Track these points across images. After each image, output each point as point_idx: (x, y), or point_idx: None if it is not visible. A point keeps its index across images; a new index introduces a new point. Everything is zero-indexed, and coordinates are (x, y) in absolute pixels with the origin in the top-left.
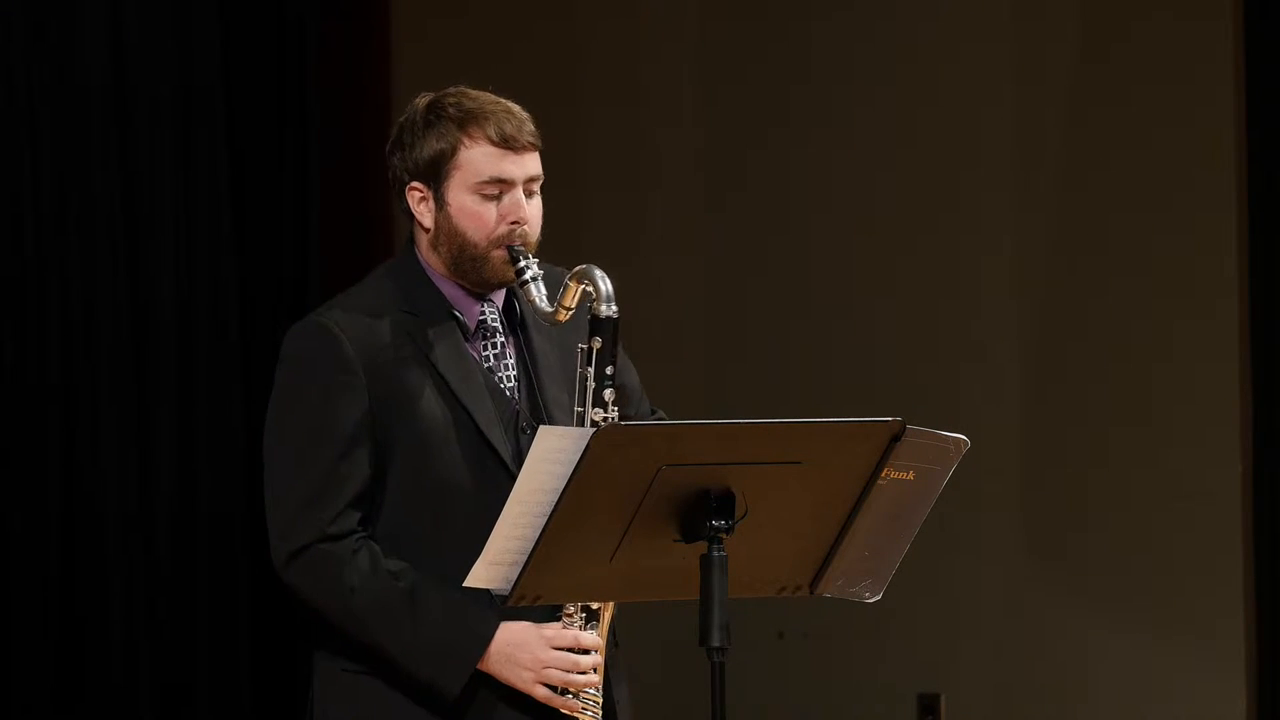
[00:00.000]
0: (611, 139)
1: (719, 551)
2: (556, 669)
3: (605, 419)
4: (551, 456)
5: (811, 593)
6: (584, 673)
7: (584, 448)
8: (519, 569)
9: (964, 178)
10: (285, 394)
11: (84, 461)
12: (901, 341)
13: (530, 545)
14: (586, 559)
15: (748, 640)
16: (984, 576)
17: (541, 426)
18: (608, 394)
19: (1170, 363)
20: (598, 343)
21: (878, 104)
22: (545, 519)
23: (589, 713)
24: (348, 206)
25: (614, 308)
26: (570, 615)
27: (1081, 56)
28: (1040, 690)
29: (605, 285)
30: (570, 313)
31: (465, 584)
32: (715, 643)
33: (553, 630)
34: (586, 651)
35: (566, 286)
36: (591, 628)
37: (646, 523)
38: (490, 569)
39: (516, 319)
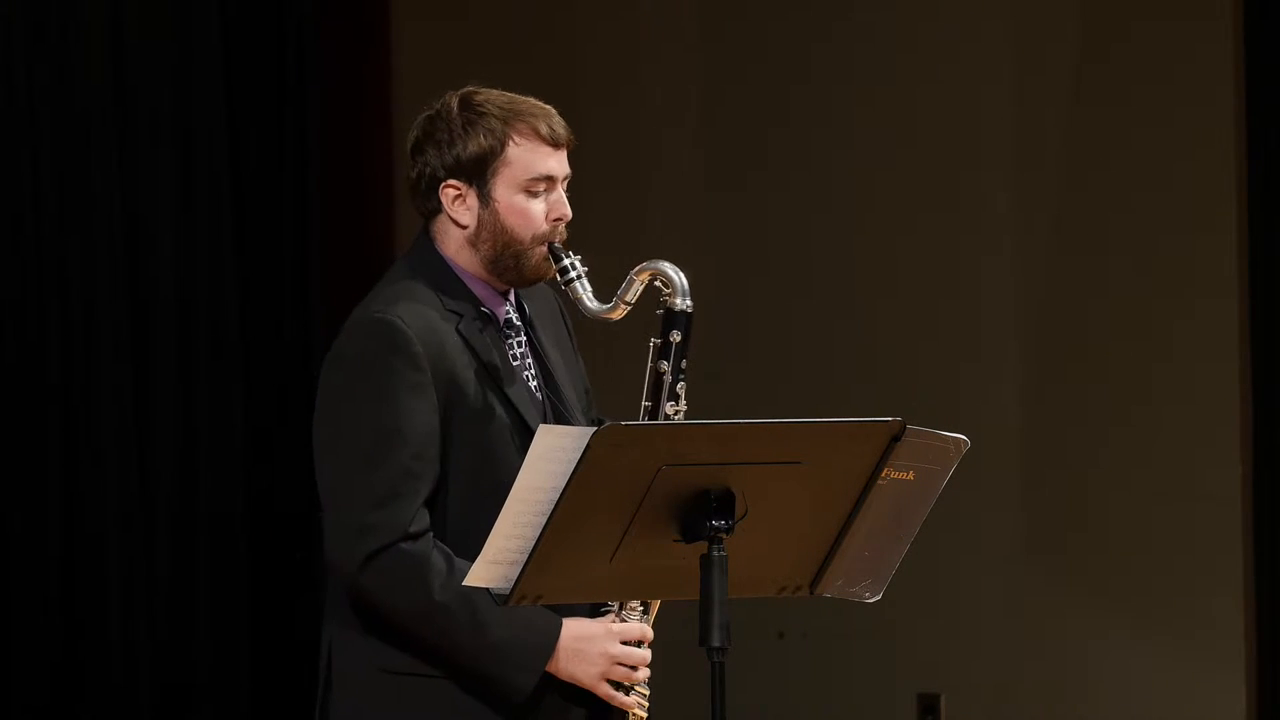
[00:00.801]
0: (611, 138)
1: (719, 551)
2: (624, 665)
3: (678, 413)
4: (551, 455)
5: (811, 593)
6: (639, 668)
7: (583, 447)
8: (518, 568)
9: (964, 177)
10: (350, 391)
11: (84, 461)
12: (901, 341)
13: (529, 545)
14: (587, 559)
15: (748, 640)
16: (984, 576)
17: (541, 425)
18: (680, 388)
19: (1170, 363)
20: (676, 337)
21: (878, 104)
22: (545, 518)
23: (643, 709)
24: (348, 207)
25: (690, 301)
26: (633, 608)
27: (1081, 56)
28: (1040, 690)
29: (680, 279)
30: (629, 308)
31: (464, 582)
32: (715, 643)
33: (620, 625)
34: (642, 645)
35: (631, 281)
36: (646, 618)
37: (646, 523)
38: (490, 568)
39: (527, 318)
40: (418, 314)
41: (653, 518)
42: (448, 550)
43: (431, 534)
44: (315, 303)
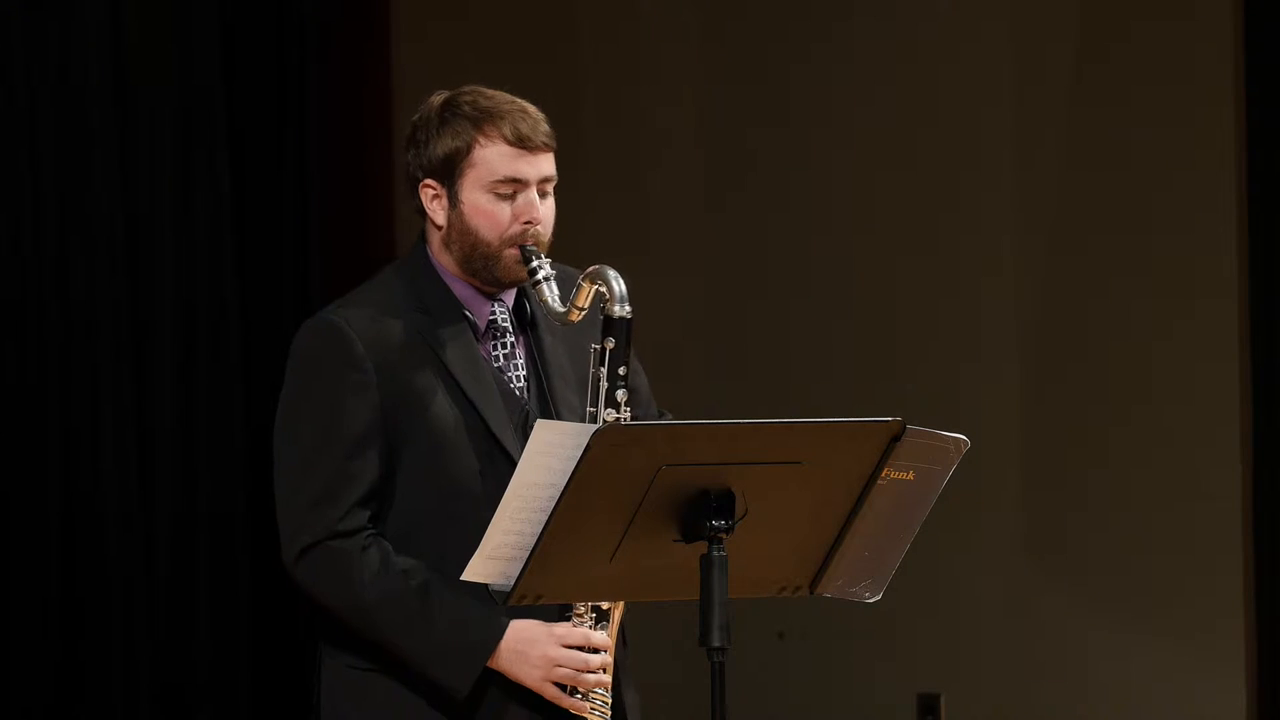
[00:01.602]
0: (611, 139)
1: (719, 551)
2: (566, 668)
3: (617, 419)
4: (549, 450)
5: (811, 593)
6: (593, 672)
7: (583, 445)
8: (517, 565)
9: (964, 177)
10: (295, 391)
11: (84, 461)
12: (901, 341)
13: (528, 541)
14: (586, 559)
15: (748, 640)
16: (984, 576)
17: (539, 420)
18: (620, 395)
19: (1170, 363)
20: (611, 343)
21: (878, 104)
22: (543, 515)
23: (598, 714)
24: (348, 207)
25: (628, 308)
26: (580, 615)
27: (1081, 57)
28: (1040, 690)
29: (619, 286)
30: (583, 313)
31: (462, 578)
32: (715, 643)
33: (563, 629)
34: (596, 651)
35: (579, 287)
36: (601, 627)
37: (646, 523)
38: (487, 563)
39: (527, 319)
40: (369, 314)
41: (653, 518)
42: (387, 548)
43: (368, 531)
44: (315, 303)
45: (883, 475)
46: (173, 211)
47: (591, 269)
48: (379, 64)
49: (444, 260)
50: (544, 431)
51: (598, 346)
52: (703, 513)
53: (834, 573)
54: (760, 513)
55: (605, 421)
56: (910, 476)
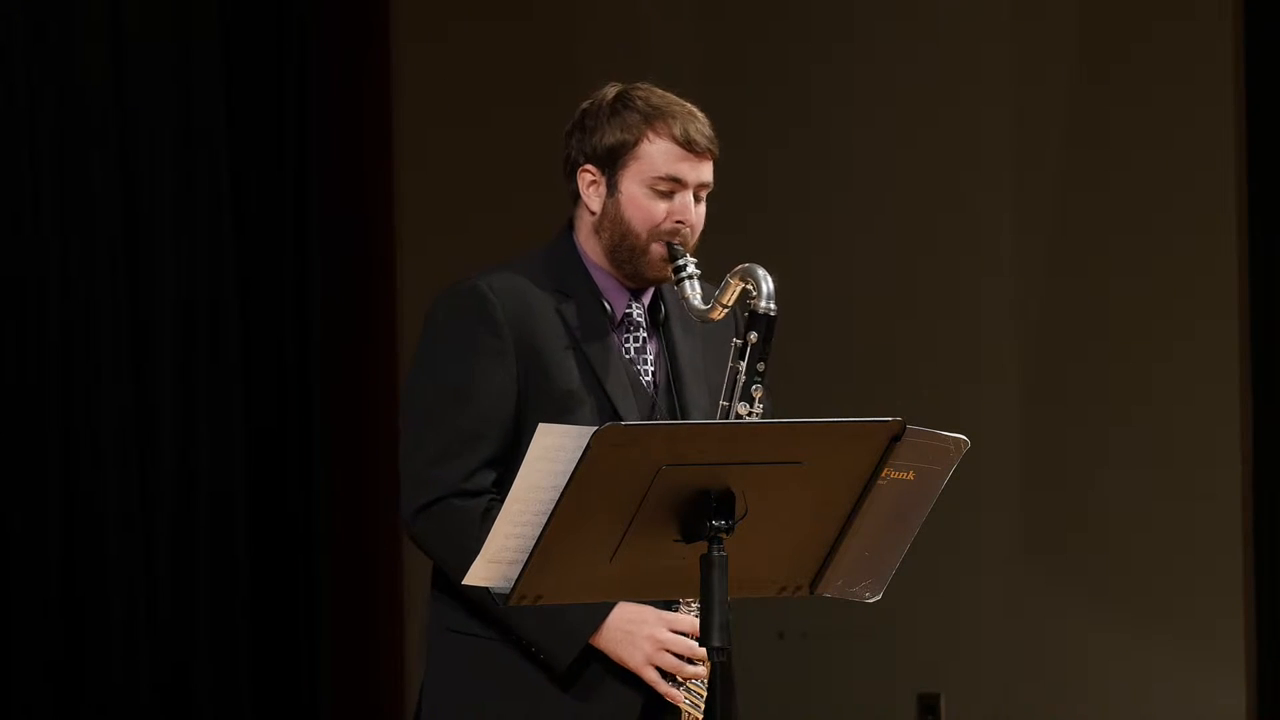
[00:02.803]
0: None
1: (719, 551)
2: (671, 654)
3: (751, 413)
4: (550, 455)
5: (811, 593)
6: (695, 663)
7: (583, 447)
8: (517, 568)
9: (964, 178)
10: (430, 350)
11: (84, 461)
12: (901, 342)
13: (529, 544)
14: (586, 559)
15: (748, 640)
16: (984, 576)
17: (540, 425)
18: (755, 390)
19: (1170, 363)
20: (753, 337)
21: (878, 104)
22: (544, 517)
23: (693, 704)
24: (348, 207)
25: (773, 306)
26: (690, 603)
27: (1080, 76)
28: (1040, 690)
29: (767, 284)
30: (726, 310)
31: (464, 581)
32: (715, 643)
33: (672, 613)
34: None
35: (727, 284)
36: None
37: (646, 523)
38: (489, 567)
39: (660, 318)
40: (513, 287)
41: (653, 518)
42: None
43: (491, 494)
44: (315, 303)
45: (883, 475)
46: (173, 211)
47: (740, 267)
48: (379, 64)
49: (589, 247)
50: (544, 436)
51: (739, 341)
52: (703, 513)
53: (834, 573)
54: (760, 513)
55: (738, 415)
56: (910, 476)
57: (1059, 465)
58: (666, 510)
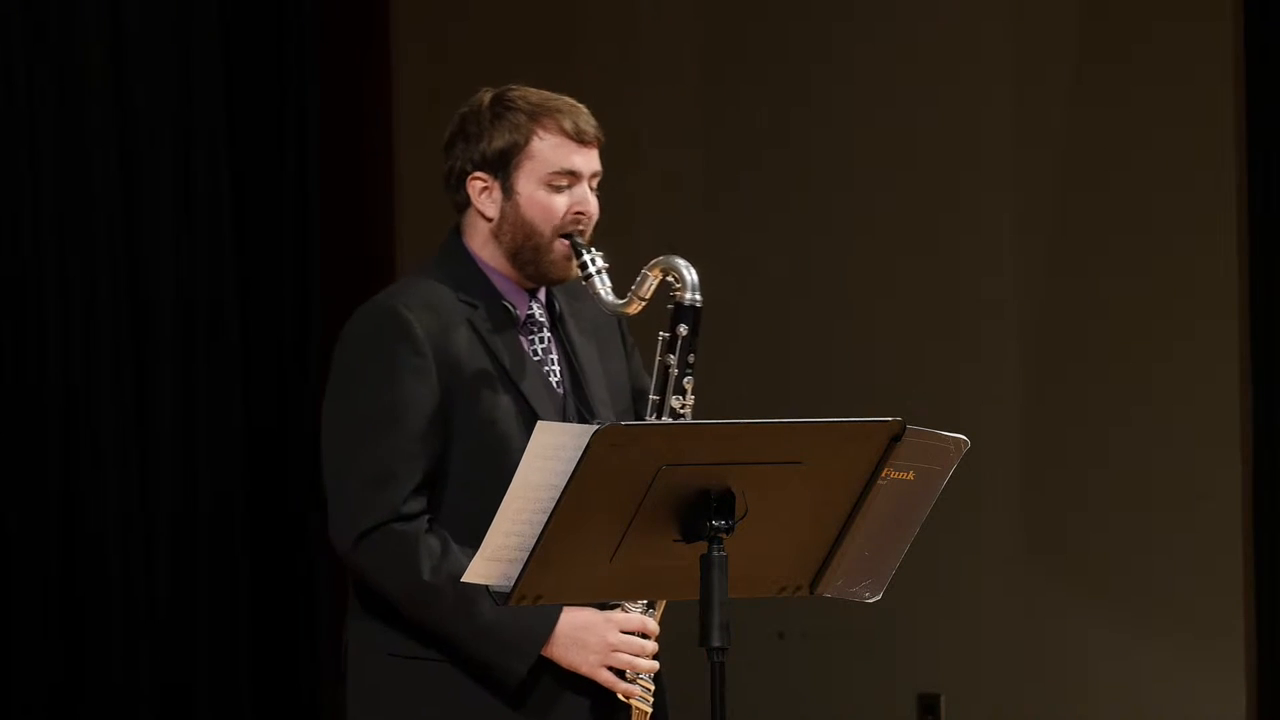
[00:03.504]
0: (610, 138)
1: (719, 551)
2: (624, 653)
3: (685, 406)
4: (548, 453)
5: (811, 593)
6: (647, 659)
7: (583, 446)
8: (517, 566)
9: (964, 178)
10: (353, 373)
11: (84, 461)
12: (901, 341)
13: (528, 542)
14: (586, 559)
15: (748, 640)
16: (984, 576)
17: (539, 422)
18: (687, 382)
19: (1170, 362)
20: (683, 330)
21: (878, 104)
22: (544, 516)
23: (643, 700)
24: (348, 207)
25: (699, 296)
26: (636, 603)
27: (1081, 73)
28: (1040, 690)
29: (690, 274)
30: (644, 304)
31: (463, 579)
32: (715, 643)
33: (621, 615)
34: (647, 637)
35: (644, 276)
36: (650, 614)
37: (646, 523)
38: (488, 565)
39: (556, 315)
40: (425, 303)
41: (653, 518)
42: (444, 534)
43: (428, 517)
44: (315, 303)
45: (883, 475)
46: (173, 211)
47: (659, 259)
48: (379, 64)
49: (485, 253)
50: (544, 434)
51: (666, 335)
52: (703, 513)
53: (834, 573)
54: (760, 513)
55: (673, 409)
56: (910, 476)
57: (1059, 465)
58: (666, 510)
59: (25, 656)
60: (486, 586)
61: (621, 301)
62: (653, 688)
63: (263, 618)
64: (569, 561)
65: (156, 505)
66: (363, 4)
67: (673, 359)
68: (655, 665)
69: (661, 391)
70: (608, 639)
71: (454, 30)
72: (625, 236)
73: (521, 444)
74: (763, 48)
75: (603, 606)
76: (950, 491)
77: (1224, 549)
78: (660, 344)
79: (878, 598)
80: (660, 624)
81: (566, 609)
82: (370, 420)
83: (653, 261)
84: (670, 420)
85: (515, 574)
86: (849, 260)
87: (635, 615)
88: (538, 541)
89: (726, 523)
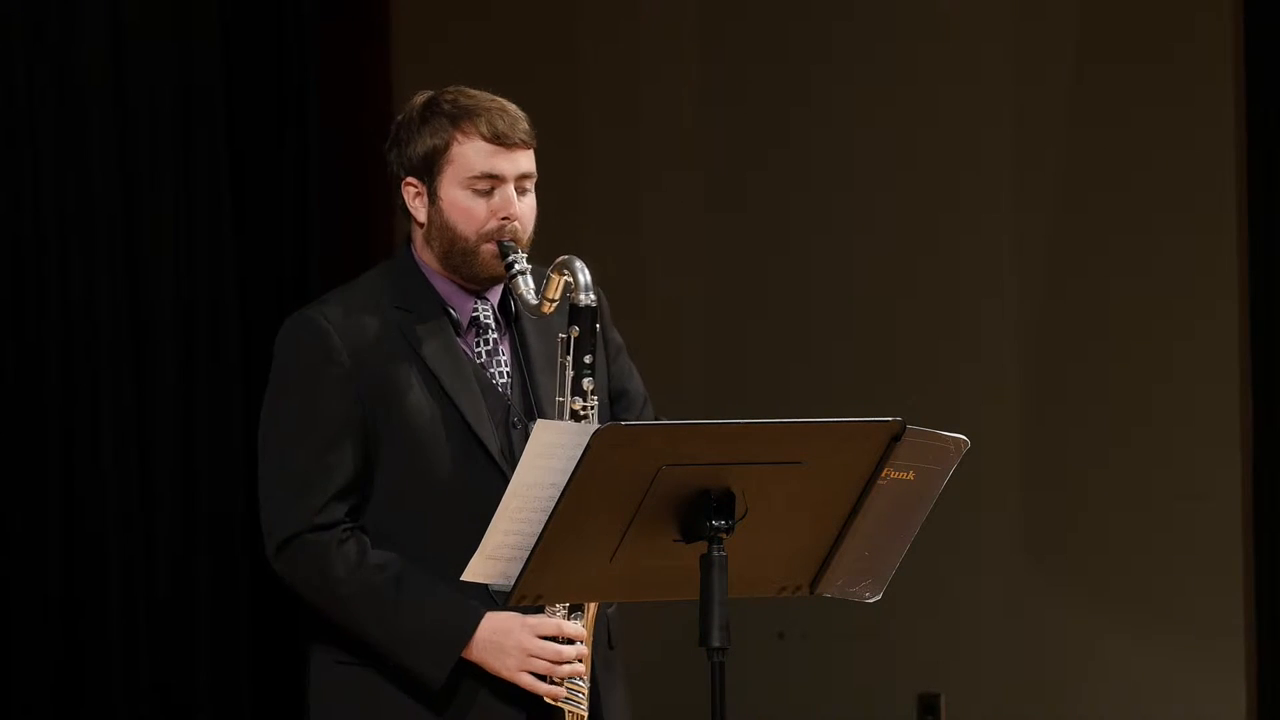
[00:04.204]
0: (611, 139)
1: (719, 551)
2: (541, 658)
3: (585, 408)
4: (549, 451)
5: (811, 593)
6: (569, 662)
7: (584, 446)
8: (516, 565)
9: (964, 177)
10: (275, 387)
11: (84, 461)
12: (902, 341)
13: (528, 541)
14: (586, 559)
15: (748, 640)
16: (984, 576)
17: (539, 420)
18: (586, 383)
19: (1170, 362)
20: (575, 331)
21: (879, 106)
22: (543, 515)
23: (573, 704)
24: (348, 206)
25: (592, 296)
26: (552, 609)
27: (1080, 76)
28: (1040, 690)
29: (584, 275)
30: (554, 304)
31: (463, 578)
32: (715, 643)
33: (536, 619)
34: (570, 642)
35: (548, 278)
36: (576, 618)
37: (646, 523)
38: (488, 563)
39: (511, 315)
40: (348, 311)
41: (653, 518)
42: (365, 541)
43: (345, 525)
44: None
45: (883, 475)
46: (173, 211)
47: (559, 259)
48: (379, 64)
49: (426, 258)
50: (544, 432)
51: (564, 336)
52: (703, 513)
53: (834, 573)
54: (760, 513)
55: (574, 411)
56: (910, 476)
57: (1059, 465)
58: (666, 510)
59: (25, 656)
60: (486, 586)
61: (535, 303)
62: (584, 689)
63: (262, 618)
64: (569, 561)
65: (156, 505)
66: (363, 4)
67: (569, 360)
68: (578, 669)
69: (564, 393)
70: (523, 643)
71: (454, 30)
72: (626, 237)
73: (446, 447)
74: (762, 48)
75: (535, 608)
76: (950, 491)
77: (1224, 549)
78: (559, 346)
79: (878, 598)
80: (660, 624)
81: (489, 614)
82: (286, 434)
83: (555, 262)
84: (668, 421)
85: (514, 573)
86: (849, 260)
87: (551, 620)
88: (538, 541)
89: (726, 523)
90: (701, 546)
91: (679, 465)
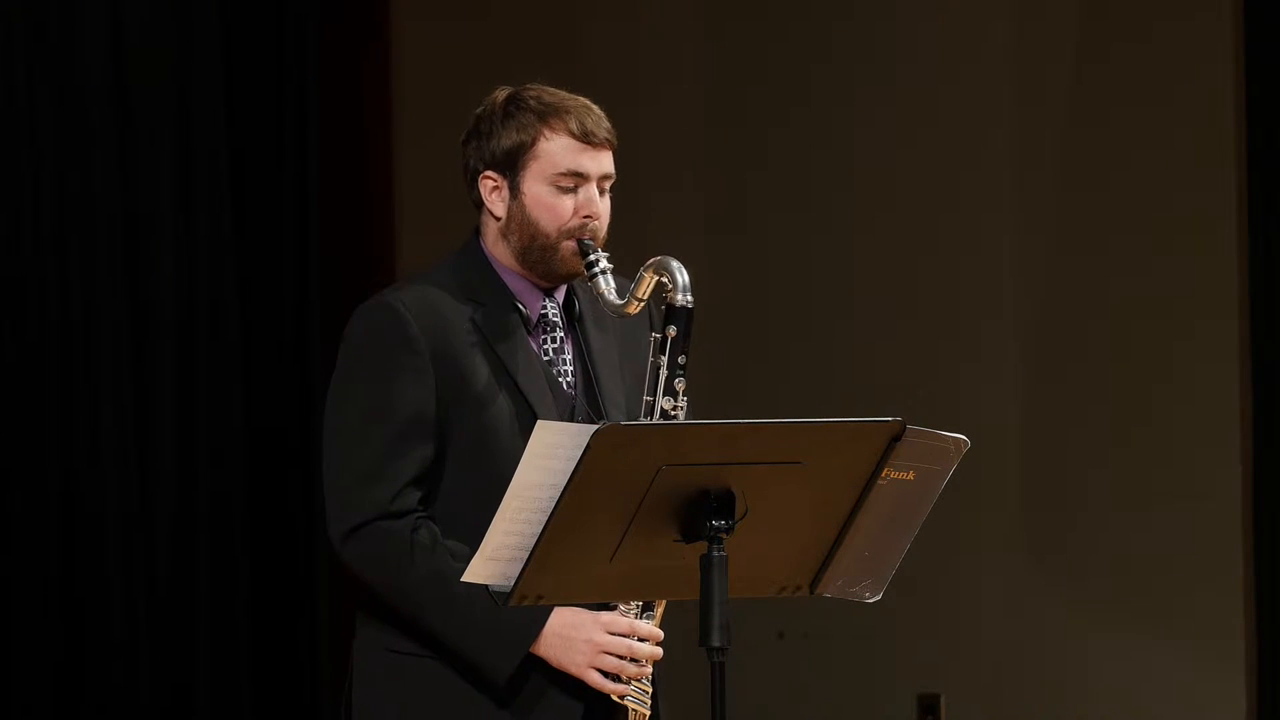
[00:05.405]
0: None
1: (719, 551)
2: (611, 654)
3: (675, 408)
4: (548, 452)
5: (811, 593)
6: (638, 661)
7: (583, 446)
8: (517, 565)
9: (964, 177)
10: (348, 371)
11: (84, 461)
12: (901, 341)
13: (528, 542)
14: (586, 559)
15: (748, 640)
16: (984, 576)
17: (539, 421)
18: (679, 384)
19: (1170, 363)
20: (672, 331)
21: (879, 105)
22: (544, 516)
23: (638, 701)
24: (348, 206)
25: (690, 298)
26: (627, 606)
27: (1080, 76)
28: (1040, 690)
29: (682, 276)
30: (642, 304)
31: (463, 579)
32: (715, 643)
33: (609, 616)
34: (643, 641)
35: (641, 278)
36: (647, 618)
37: (646, 523)
38: (488, 564)
39: (575, 315)
40: (425, 300)
41: (653, 518)
42: (435, 531)
43: (417, 514)
44: (315, 302)
45: (883, 475)
46: (173, 211)
47: (654, 260)
48: (379, 64)
49: (498, 253)
50: (544, 433)
51: (658, 335)
52: (703, 513)
53: (834, 573)
54: (760, 513)
55: (663, 410)
56: (910, 476)
57: (1059, 465)
58: (666, 510)
59: (26, 656)
60: (486, 586)
61: (621, 303)
62: (649, 690)
63: (263, 617)
64: (569, 561)
65: (156, 505)
66: (363, 4)
67: (663, 360)
68: (645, 670)
69: (654, 392)
70: (594, 639)
71: (454, 28)
72: (626, 237)
73: (518, 445)
74: (763, 47)
75: (602, 608)
76: (950, 491)
77: (1224, 549)
78: (652, 345)
79: (878, 598)
80: (660, 624)
81: (558, 608)
82: (362, 418)
83: (649, 262)
84: (667, 421)
85: (515, 573)
86: (849, 260)
87: (624, 618)
88: (538, 541)
89: (726, 523)
90: (701, 546)
91: (679, 465)
